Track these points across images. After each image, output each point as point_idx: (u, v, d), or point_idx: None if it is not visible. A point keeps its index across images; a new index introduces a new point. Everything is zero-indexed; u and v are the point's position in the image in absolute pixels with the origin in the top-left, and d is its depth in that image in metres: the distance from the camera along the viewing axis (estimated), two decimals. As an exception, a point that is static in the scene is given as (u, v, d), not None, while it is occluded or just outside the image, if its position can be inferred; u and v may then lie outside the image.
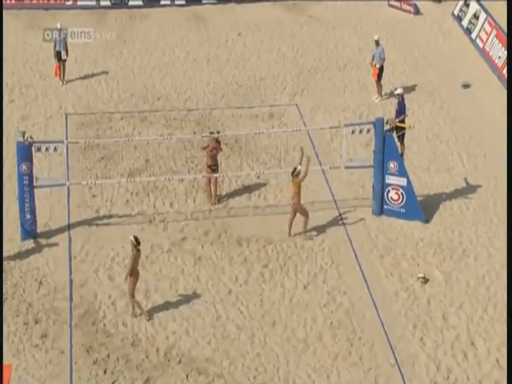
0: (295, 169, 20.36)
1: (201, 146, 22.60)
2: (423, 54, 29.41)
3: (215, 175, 21.65)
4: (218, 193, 21.98)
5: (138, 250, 18.05)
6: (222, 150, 22.06)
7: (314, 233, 20.74)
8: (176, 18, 32.01)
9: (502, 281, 19.26)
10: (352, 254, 20.24)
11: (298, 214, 20.49)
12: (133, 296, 18.20)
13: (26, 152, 20.07)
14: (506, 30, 27.94)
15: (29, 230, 20.51)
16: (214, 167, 21.67)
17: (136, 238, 18.00)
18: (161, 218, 21.45)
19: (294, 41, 30.23)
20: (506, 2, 28.55)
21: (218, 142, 21.69)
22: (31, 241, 20.52)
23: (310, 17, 32.06)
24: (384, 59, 26.27)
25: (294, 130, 23.58)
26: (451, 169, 23.32)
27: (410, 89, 26.67)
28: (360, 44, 29.82)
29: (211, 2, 32.99)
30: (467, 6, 31.01)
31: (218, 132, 22.22)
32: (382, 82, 26.52)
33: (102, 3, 32.62)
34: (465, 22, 30.77)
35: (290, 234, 20.61)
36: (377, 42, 26.30)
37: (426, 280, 19.34)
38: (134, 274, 18.07)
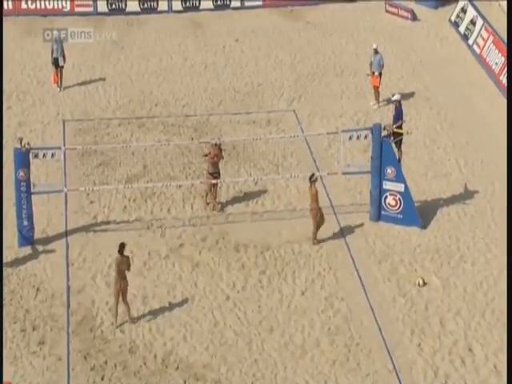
0: (313, 174, 20.40)
1: (202, 154, 22.51)
2: (420, 59, 29.44)
3: (213, 181, 21.61)
4: (217, 200, 21.97)
5: (123, 257, 17.99)
6: (223, 157, 21.98)
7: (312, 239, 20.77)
8: (173, 24, 32.04)
9: (499, 286, 19.27)
10: (349, 260, 20.24)
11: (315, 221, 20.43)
12: (115, 303, 18.12)
13: (23, 158, 20.07)
14: (502, 36, 28.00)
15: (26, 237, 20.49)
16: (215, 174, 21.61)
17: (120, 245, 17.97)
18: (158, 224, 21.44)
19: (292, 47, 30.25)
20: (501, 5, 28.64)
21: (219, 149, 21.65)
22: (28, 247, 20.49)
23: (307, 23, 32.10)
24: (383, 66, 26.34)
25: (292, 136, 23.61)
26: (448, 175, 23.33)
27: (407, 95, 26.68)
28: (357, 50, 29.84)
29: (209, 8, 33.04)
30: (464, 12, 31.07)
31: (219, 139, 22.21)
32: (380, 88, 26.54)
33: (100, 9, 32.65)
34: (462, 28, 30.81)
35: (313, 242, 20.52)
36: (375, 50, 26.35)
37: (424, 283, 19.36)
38: (117, 280, 18.01)
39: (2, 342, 17.29)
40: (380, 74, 26.37)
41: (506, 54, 27.24)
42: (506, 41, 27.47)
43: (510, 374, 15.39)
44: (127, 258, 18.17)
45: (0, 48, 27.36)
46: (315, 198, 20.25)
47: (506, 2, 28.90)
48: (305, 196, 21.57)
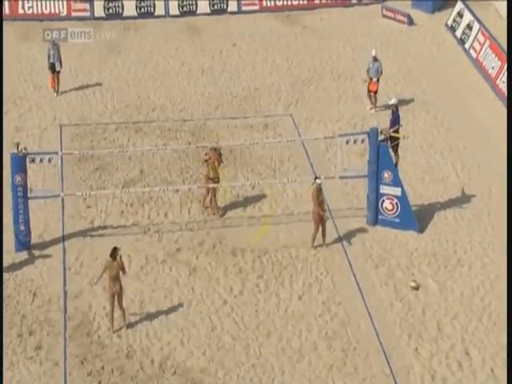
0: (316, 178, 20.43)
1: (202, 159, 22.42)
2: (417, 64, 29.47)
3: (210, 186, 21.60)
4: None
5: (114, 261, 17.92)
6: (223, 161, 21.93)
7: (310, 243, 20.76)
8: (170, 28, 32.06)
9: (496, 291, 19.28)
10: (347, 264, 20.24)
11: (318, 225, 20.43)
12: (111, 308, 18.09)
13: (20, 163, 20.07)
14: (499, 41, 28.05)
15: (23, 242, 20.48)
16: (216, 179, 21.59)
17: (112, 249, 17.94)
18: (155, 228, 21.43)
19: (289, 51, 30.28)
20: (498, 9, 28.68)
21: (219, 153, 21.63)
22: (25, 252, 20.48)
23: (304, 28, 32.13)
24: (381, 73, 26.37)
25: (289, 141, 23.63)
26: (445, 179, 23.35)
27: (404, 99, 26.70)
28: (354, 54, 29.88)
29: (206, 12, 33.07)
30: (461, 16, 31.13)
31: (217, 143, 22.17)
32: (377, 94, 26.55)
33: (97, 14, 32.68)
34: (458, 33, 30.86)
35: (312, 245, 20.54)
36: (374, 58, 26.37)
37: (417, 286, 19.37)
38: (109, 285, 17.98)
39: (2, 346, 17.30)
40: (378, 80, 26.40)
41: (502, 58, 27.27)
42: (502, 45, 27.53)
43: (510, 378, 15.43)
44: (119, 262, 18.07)
45: (0, 53, 27.37)
46: (316, 201, 20.22)
47: (503, 5, 28.92)
48: (302, 200, 21.60)
